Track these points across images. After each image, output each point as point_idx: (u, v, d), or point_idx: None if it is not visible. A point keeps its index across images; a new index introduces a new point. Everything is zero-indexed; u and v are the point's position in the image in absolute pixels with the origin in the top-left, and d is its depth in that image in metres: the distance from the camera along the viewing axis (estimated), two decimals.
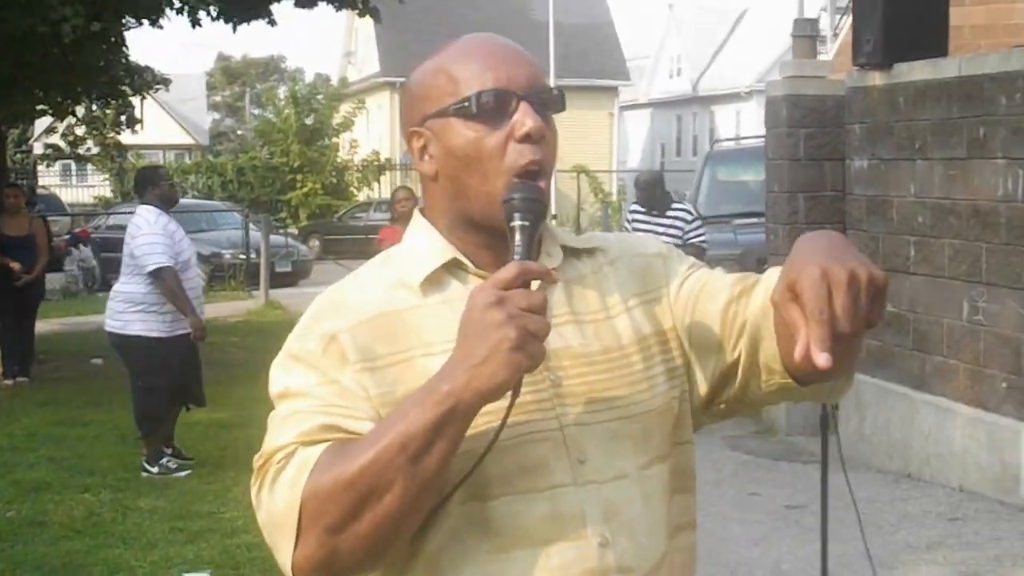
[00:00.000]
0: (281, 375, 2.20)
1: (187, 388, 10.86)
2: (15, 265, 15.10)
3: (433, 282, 2.21)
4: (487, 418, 2.03)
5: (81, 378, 15.79)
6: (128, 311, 10.38)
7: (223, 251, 28.19)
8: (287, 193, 45.23)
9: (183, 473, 10.66)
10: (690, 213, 12.38)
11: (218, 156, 62.61)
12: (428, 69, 2.34)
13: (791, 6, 28.11)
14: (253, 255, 26.44)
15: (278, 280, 26.18)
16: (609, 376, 2.21)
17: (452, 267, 2.23)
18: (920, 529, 8.92)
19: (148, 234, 10.30)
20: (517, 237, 2.07)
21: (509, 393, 1.97)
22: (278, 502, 2.05)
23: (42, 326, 16.56)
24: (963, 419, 9.86)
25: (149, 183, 10.69)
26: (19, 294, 15.33)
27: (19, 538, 8.98)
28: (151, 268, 10.17)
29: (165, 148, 69.27)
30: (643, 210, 12.59)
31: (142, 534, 9.02)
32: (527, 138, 2.15)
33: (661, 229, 12.08)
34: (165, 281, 10.17)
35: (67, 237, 29.53)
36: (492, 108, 2.17)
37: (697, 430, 2.37)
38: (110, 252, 29.50)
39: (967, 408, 9.86)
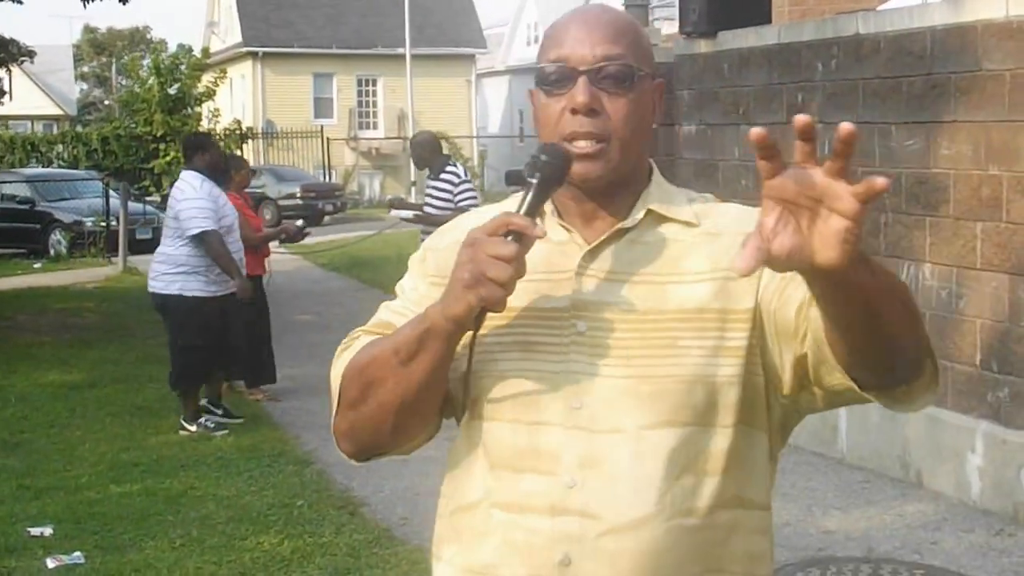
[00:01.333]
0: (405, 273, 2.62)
1: (229, 349, 11.08)
2: None
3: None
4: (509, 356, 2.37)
5: None
6: (169, 272, 10.62)
7: (84, 219, 28.18)
8: (151, 161, 44.89)
9: (220, 433, 10.81)
10: (458, 176, 12.24)
11: (87, 127, 61.91)
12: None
13: None
14: (114, 222, 26.43)
15: (139, 247, 26.13)
16: (636, 336, 2.32)
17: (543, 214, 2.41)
18: None
19: (192, 199, 10.48)
20: (527, 192, 2.26)
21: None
22: (332, 373, 2.48)
23: None
24: None
25: (198, 149, 10.92)
26: None
27: None
28: (194, 232, 10.38)
29: (33, 119, 68.37)
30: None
31: None
32: (576, 111, 2.32)
33: (435, 191, 12.19)
34: (211, 244, 10.37)
35: None
36: (554, 80, 2.36)
37: (789, 425, 2.44)
38: None
39: None
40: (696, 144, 11.65)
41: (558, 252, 2.39)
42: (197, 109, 46.22)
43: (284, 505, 8.75)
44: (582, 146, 2.32)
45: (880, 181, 1.73)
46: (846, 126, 1.75)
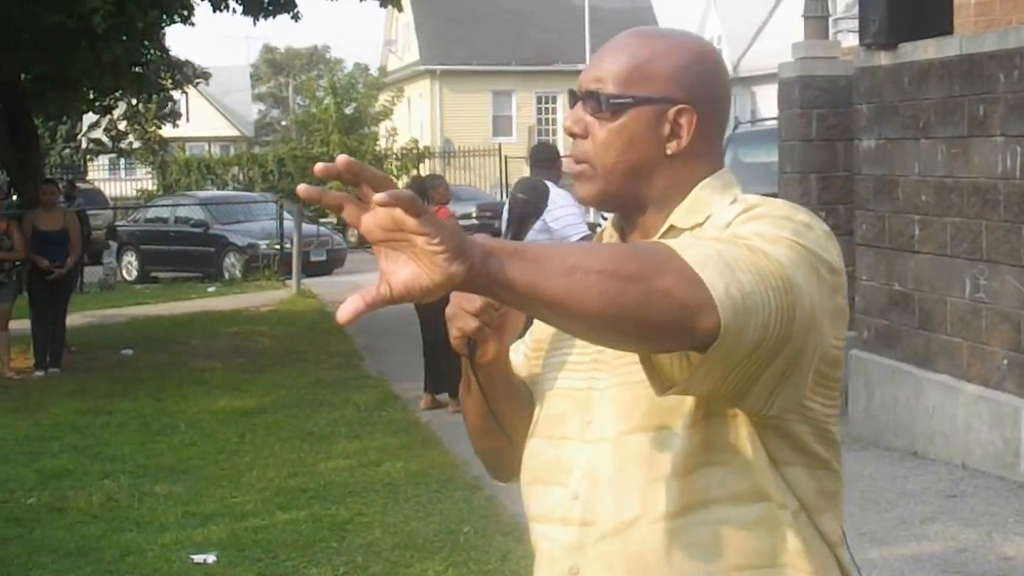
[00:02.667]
0: None
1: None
2: (44, 263, 15.32)
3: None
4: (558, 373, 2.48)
5: (110, 369, 16.02)
6: None
7: (258, 241, 28.41)
8: (327, 183, 45.43)
9: None
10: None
11: (264, 147, 62.89)
12: None
13: None
14: (288, 245, 26.62)
15: (313, 269, 26.38)
16: None
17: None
18: (917, 505, 8.99)
19: (564, 207, 10.55)
20: (507, 228, 2.47)
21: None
22: None
23: (77, 318, 16.83)
24: (966, 396, 9.92)
25: (551, 161, 11.28)
26: (51, 288, 15.58)
27: (38, 524, 9.19)
28: (576, 238, 10.44)
29: (210, 140, 69.62)
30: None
31: (155, 518, 9.22)
32: (567, 133, 2.43)
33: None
34: None
35: (104, 231, 29.88)
36: (572, 102, 2.45)
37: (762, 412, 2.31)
38: (150, 245, 29.90)
39: (970, 385, 9.91)
40: (875, 159, 11.32)
41: None
42: (374, 128, 46.66)
43: (450, 531, 8.63)
44: (570, 166, 2.46)
45: (380, 197, 1.82)
46: (340, 159, 1.86)
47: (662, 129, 2.37)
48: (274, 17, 15.78)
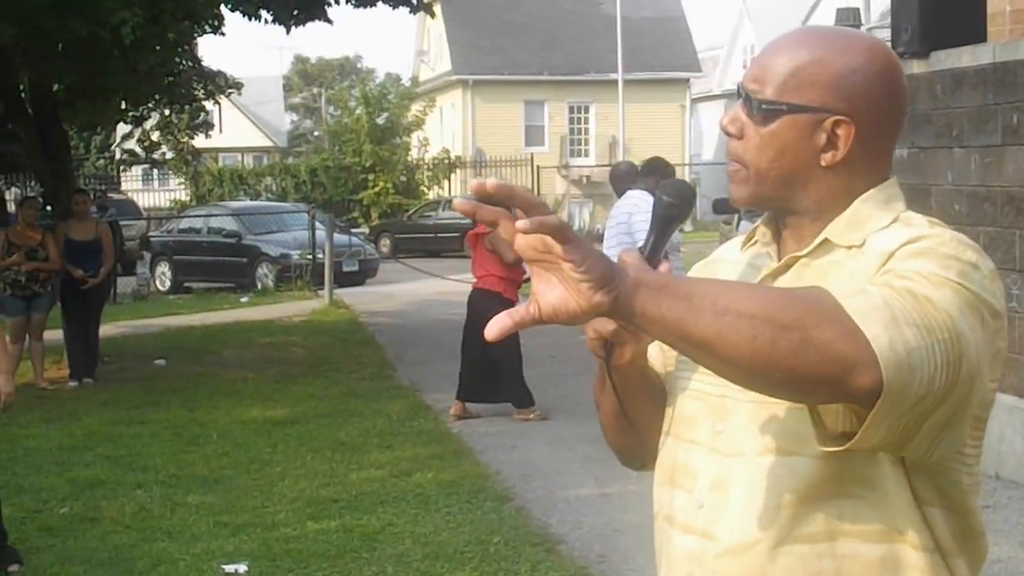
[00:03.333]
0: None
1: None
2: (77, 273, 15.39)
3: (748, 245, 2.52)
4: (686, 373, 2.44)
5: (143, 379, 16.07)
6: None
7: (291, 251, 28.47)
8: (359, 193, 45.54)
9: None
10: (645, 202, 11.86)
11: (297, 157, 63.08)
12: None
13: None
14: (320, 255, 26.65)
15: (345, 279, 26.40)
16: None
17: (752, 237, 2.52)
18: None
19: (648, 212, 10.54)
20: (650, 232, 2.37)
21: None
22: None
23: (110, 328, 16.88)
24: (1000, 407, 9.84)
25: (658, 173, 11.29)
26: (84, 298, 15.66)
27: (71, 533, 9.22)
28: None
29: (243, 151, 69.85)
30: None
31: (187, 528, 9.23)
32: (723, 131, 2.40)
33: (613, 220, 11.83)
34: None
35: (137, 241, 29.99)
36: (738, 99, 2.40)
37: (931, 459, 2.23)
38: (183, 255, 30.00)
39: (1005, 396, 9.83)
40: (909, 168, 11.25)
41: (751, 274, 2.45)
42: (406, 138, 46.69)
43: (480, 542, 8.61)
44: (728, 165, 2.40)
45: (522, 224, 1.84)
46: (490, 182, 1.88)
47: (817, 139, 2.29)
48: (304, 25, 15.80)
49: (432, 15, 17.47)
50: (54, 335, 16.21)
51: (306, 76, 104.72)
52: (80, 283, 15.47)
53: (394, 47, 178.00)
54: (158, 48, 16.13)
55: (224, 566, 8.24)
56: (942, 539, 2.27)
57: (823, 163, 2.29)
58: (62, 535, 9.19)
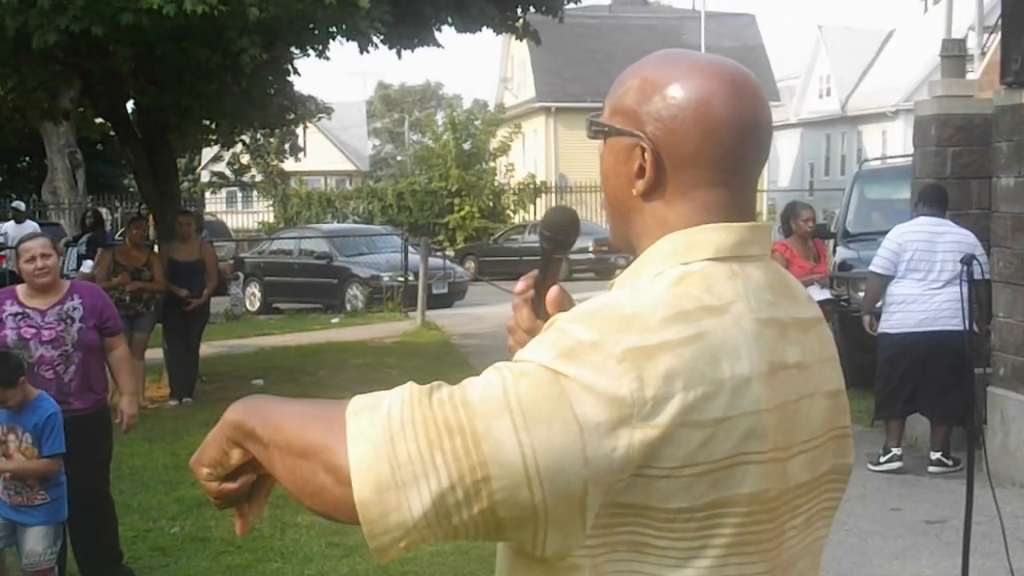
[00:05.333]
0: None
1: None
2: (183, 293, 15.53)
3: None
4: None
5: (242, 398, 16.07)
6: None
7: (381, 273, 28.59)
8: (445, 216, 45.76)
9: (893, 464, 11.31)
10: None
11: (378, 182, 63.47)
12: None
13: (938, 26, 27.80)
14: (410, 277, 26.79)
15: (434, 301, 26.45)
16: None
17: None
18: None
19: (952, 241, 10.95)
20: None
21: None
22: None
23: (206, 348, 16.96)
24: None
25: (946, 199, 11.43)
26: (186, 318, 15.79)
27: (183, 553, 9.29)
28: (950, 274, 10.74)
29: (327, 175, 70.38)
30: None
31: (299, 549, 9.27)
32: None
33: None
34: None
35: (231, 262, 30.19)
36: None
37: None
38: (274, 276, 30.22)
39: None
40: (1013, 197, 11.17)
41: None
42: (491, 164, 46.89)
43: None
44: None
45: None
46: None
47: (631, 165, 2.17)
48: (413, 51, 15.91)
49: (538, 42, 17.49)
50: (154, 354, 16.34)
51: (388, 101, 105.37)
52: (184, 303, 15.60)
53: (475, 74, 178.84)
54: (273, 76, 16.28)
55: None
56: None
57: (634, 192, 2.15)
58: (174, 555, 9.26)
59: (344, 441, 1.91)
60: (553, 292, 2.30)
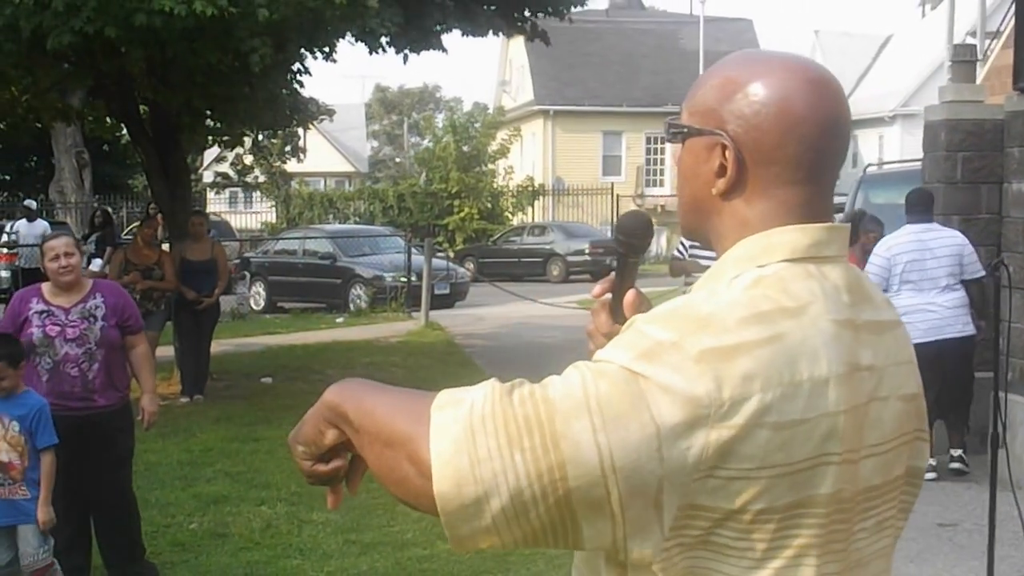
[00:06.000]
0: None
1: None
2: (191, 295, 15.63)
3: None
4: None
5: (252, 396, 16.27)
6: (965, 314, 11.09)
7: (385, 274, 28.66)
8: (445, 218, 45.84)
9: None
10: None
11: (377, 183, 63.56)
12: None
13: (935, 33, 27.91)
14: (413, 278, 26.93)
15: (436, 302, 26.50)
16: None
17: None
18: None
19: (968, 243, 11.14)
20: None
21: None
22: None
23: (213, 346, 17.03)
24: None
25: (931, 201, 11.53)
26: (197, 316, 15.91)
27: (203, 549, 9.39)
28: (981, 275, 10.91)
29: (326, 176, 70.57)
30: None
31: (317, 546, 9.36)
32: None
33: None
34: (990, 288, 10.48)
35: (237, 262, 30.27)
36: None
37: None
38: (278, 276, 30.32)
39: None
40: None
41: None
42: (491, 166, 47.00)
43: None
44: None
45: None
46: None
47: (711, 164, 2.17)
48: (419, 54, 15.98)
49: (547, 42, 17.58)
50: (164, 352, 16.43)
51: (386, 104, 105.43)
52: (195, 303, 15.71)
53: (472, 77, 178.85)
54: (286, 77, 16.38)
55: None
56: None
57: (714, 191, 2.16)
58: (194, 550, 9.36)
59: (428, 434, 1.96)
60: (630, 296, 2.33)
